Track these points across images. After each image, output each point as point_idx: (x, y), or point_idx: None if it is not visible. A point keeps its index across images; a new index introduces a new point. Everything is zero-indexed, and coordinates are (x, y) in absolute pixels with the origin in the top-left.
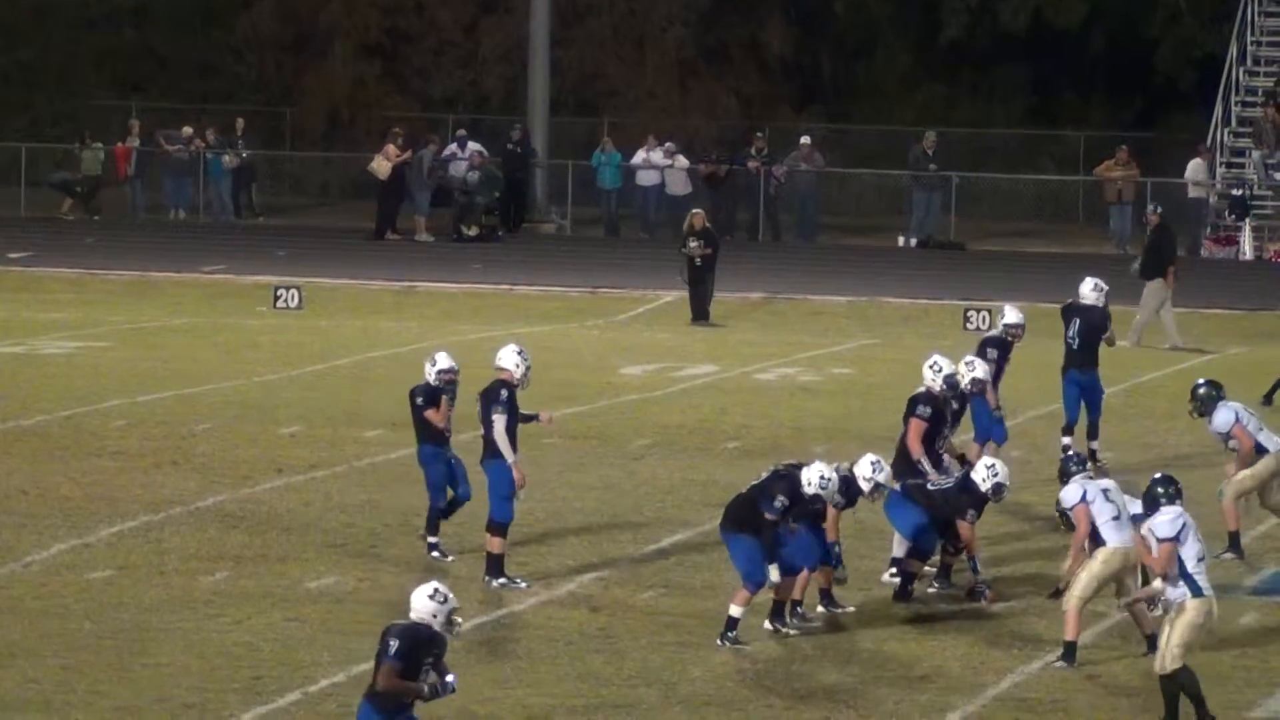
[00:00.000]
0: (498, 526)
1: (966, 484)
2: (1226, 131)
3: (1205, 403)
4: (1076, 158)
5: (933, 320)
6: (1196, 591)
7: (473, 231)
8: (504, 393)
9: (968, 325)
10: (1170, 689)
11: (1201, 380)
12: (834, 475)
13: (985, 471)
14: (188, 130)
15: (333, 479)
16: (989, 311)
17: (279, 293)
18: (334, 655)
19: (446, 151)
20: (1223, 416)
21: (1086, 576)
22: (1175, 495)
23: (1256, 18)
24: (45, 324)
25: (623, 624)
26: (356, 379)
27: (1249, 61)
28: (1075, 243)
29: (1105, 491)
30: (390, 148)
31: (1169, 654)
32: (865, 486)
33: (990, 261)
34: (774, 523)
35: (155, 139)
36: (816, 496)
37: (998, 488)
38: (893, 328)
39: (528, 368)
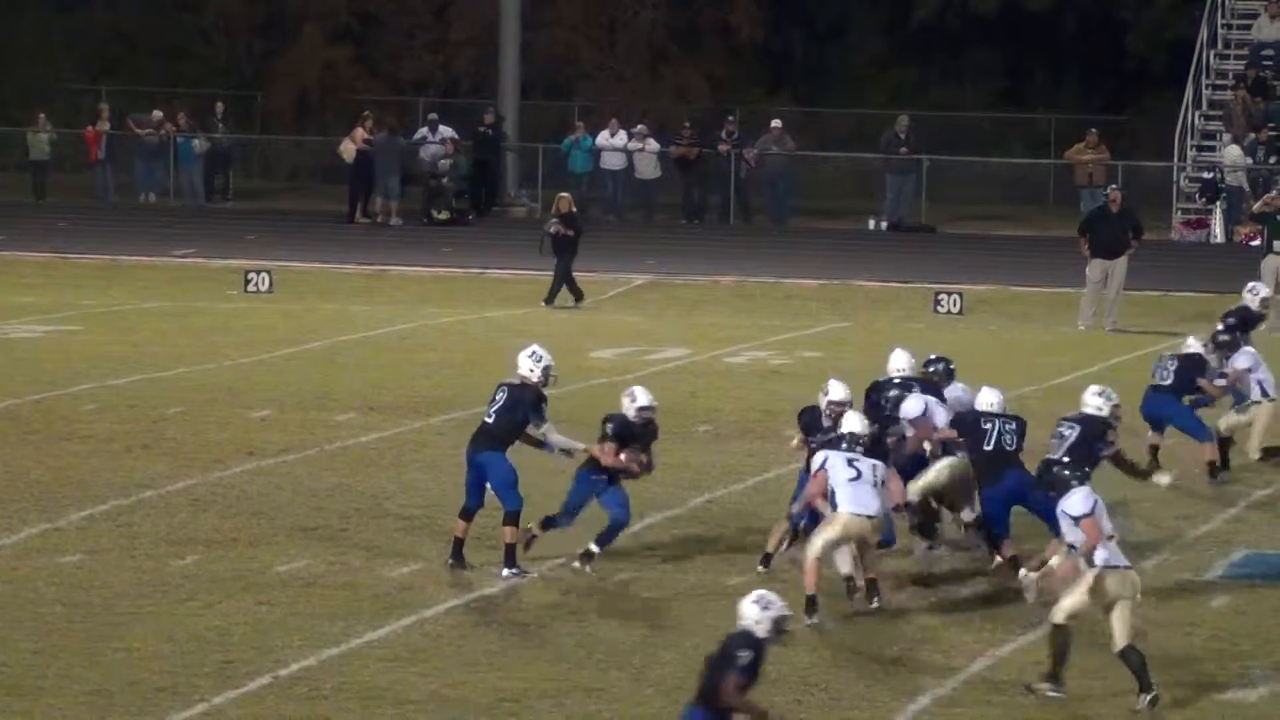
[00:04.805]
0: (511, 516)
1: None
2: (1197, 115)
3: (1230, 346)
4: (1047, 141)
5: (903, 303)
6: (1104, 562)
7: (443, 215)
8: (544, 406)
9: (938, 308)
10: (1054, 639)
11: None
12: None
13: None
14: (158, 114)
15: (303, 463)
16: (960, 295)
17: (250, 276)
18: (305, 639)
19: (417, 135)
20: (1244, 361)
21: (820, 538)
22: (1085, 478)
23: (1227, 0)
24: (15, 307)
25: (594, 608)
26: (327, 363)
27: (1219, 45)
28: (1045, 226)
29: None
30: (359, 130)
31: (1058, 608)
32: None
33: (961, 244)
34: None
35: (125, 123)
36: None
37: None
38: (863, 311)
39: (545, 366)
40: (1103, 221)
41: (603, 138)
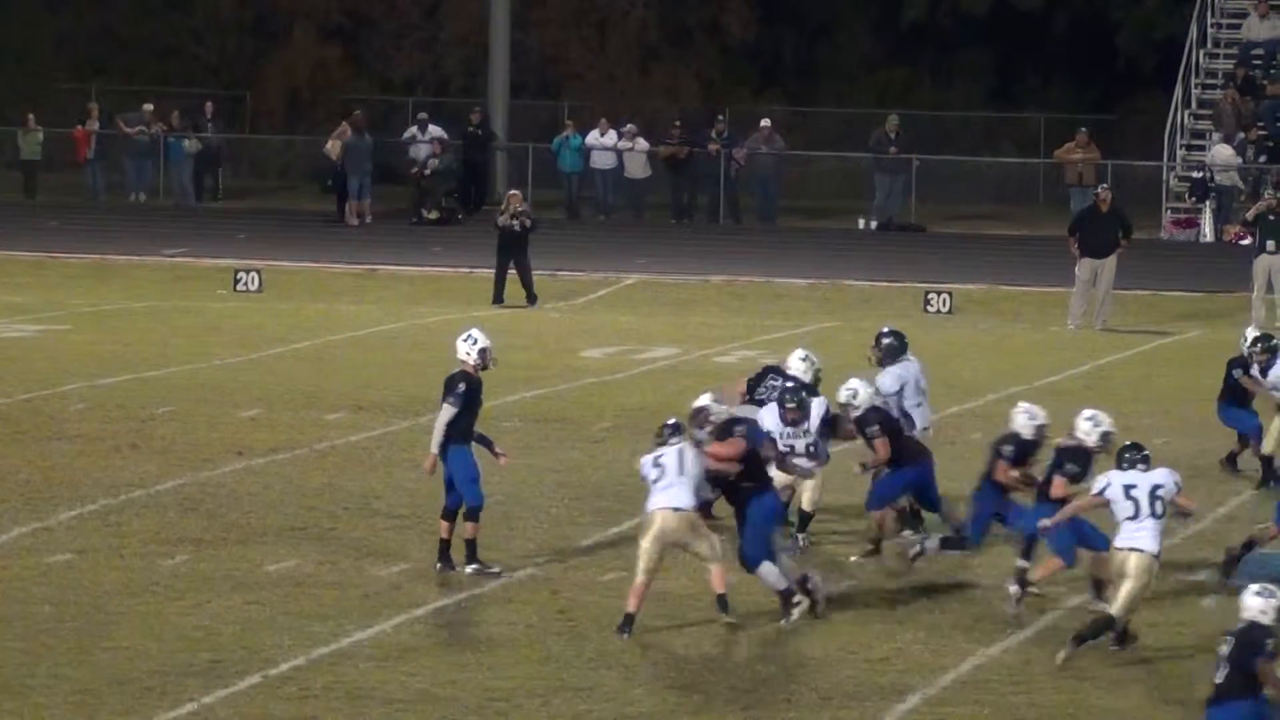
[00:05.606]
0: (472, 511)
1: None
2: (1187, 114)
3: (1276, 351)
4: (1037, 140)
5: (893, 302)
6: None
7: (433, 215)
8: (461, 386)
9: (928, 308)
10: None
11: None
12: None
13: None
14: (148, 107)
15: (293, 462)
16: (949, 294)
17: (239, 276)
18: (294, 638)
19: (406, 134)
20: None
21: (643, 544)
22: (1135, 461)
23: (1216, 0)
24: (5, 307)
25: (583, 607)
26: (317, 362)
27: (1209, 44)
28: (1036, 225)
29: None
30: (344, 126)
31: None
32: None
33: (950, 244)
34: None
35: (115, 122)
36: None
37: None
38: (853, 310)
39: (481, 349)
40: (1092, 221)
41: (592, 137)
